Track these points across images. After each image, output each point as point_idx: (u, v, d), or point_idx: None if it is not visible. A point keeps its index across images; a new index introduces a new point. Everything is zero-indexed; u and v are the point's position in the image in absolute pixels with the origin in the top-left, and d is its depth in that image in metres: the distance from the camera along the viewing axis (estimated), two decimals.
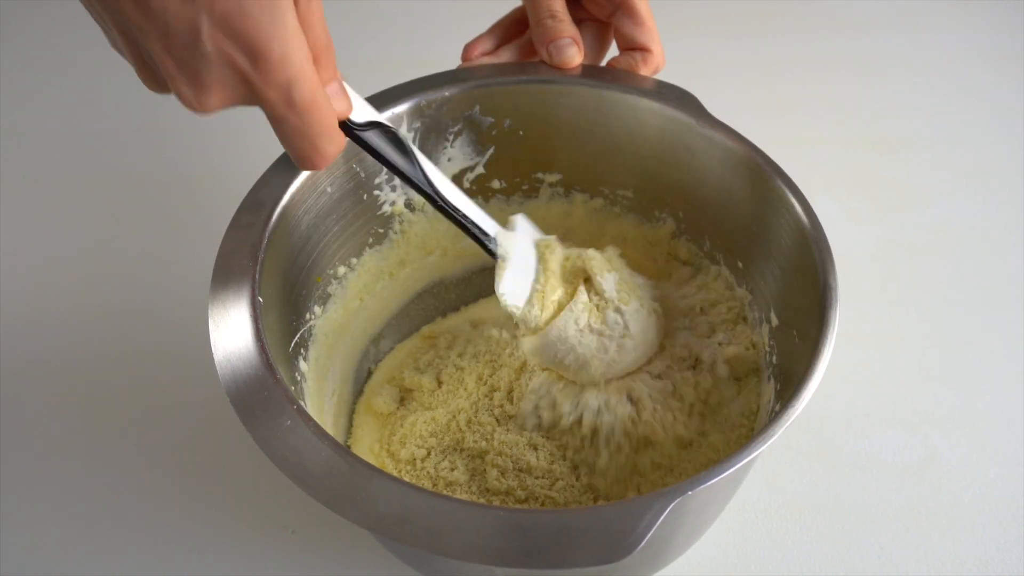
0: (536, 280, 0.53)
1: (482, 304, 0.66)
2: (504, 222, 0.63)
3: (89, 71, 0.91)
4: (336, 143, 0.41)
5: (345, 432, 0.58)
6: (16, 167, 0.81)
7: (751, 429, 0.53)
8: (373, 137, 0.45)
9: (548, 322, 0.52)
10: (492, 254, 0.52)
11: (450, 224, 0.61)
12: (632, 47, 0.57)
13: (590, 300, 0.53)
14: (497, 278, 0.52)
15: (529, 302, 0.52)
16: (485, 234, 0.51)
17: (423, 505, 0.37)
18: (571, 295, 0.53)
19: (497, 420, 0.55)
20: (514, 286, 0.52)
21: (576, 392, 0.53)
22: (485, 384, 0.57)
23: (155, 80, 0.37)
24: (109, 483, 0.59)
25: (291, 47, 0.36)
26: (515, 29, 0.60)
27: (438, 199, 0.49)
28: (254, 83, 0.36)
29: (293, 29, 0.36)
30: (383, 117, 0.46)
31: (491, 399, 0.56)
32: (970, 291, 0.69)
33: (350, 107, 0.43)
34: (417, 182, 0.48)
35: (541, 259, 0.53)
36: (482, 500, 0.52)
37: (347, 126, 0.44)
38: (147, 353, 0.65)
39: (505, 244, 0.52)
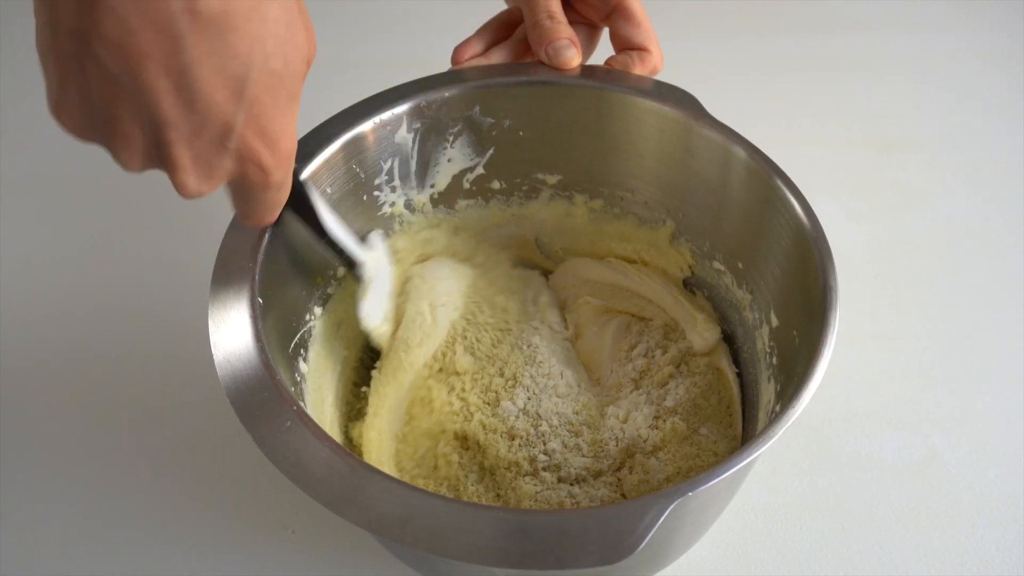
0: (391, 299, 0.57)
1: None
2: (504, 221, 0.63)
3: None
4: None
5: (344, 433, 0.58)
6: (16, 167, 0.81)
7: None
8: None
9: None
10: (357, 279, 0.54)
11: (450, 224, 0.62)
12: (629, 47, 0.57)
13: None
14: (359, 301, 0.55)
15: (385, 320, 0.57)
16: (357, 261, 0.53)
17: (423, 506, 0.37)
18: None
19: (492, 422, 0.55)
20: (373, 307, 0.56)
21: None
22: (495, 379, 0.57)
23: (142, 164, 0.37)
24: (109, 483, 0.59)
25: (294, 138, 0.39)
26: (504, 31, 0.60)
27: (327, 235, 0.50)
28: (269, 170, 0.38)
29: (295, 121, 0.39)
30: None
31: (487, 397, 0.56)
32: (970, 291, 0.69)
33: None
34: (317, 223, 0.49)
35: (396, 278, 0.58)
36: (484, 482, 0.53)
37: None
38: (147, 353, 0.65)
39: (370, 267, 0.54)
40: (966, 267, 0.71)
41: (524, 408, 0.55)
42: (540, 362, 0.57)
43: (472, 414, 0.55)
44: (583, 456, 0.52)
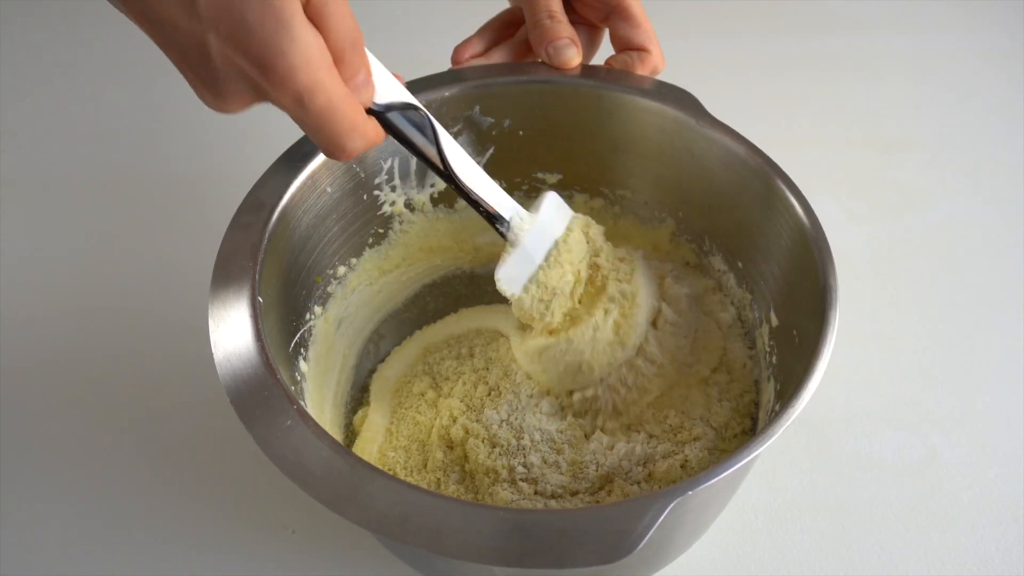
0: (540, 268, 0.52)
1: (483, 307, 0.66)
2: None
3: (89, 71, 0.91)
4: (361, 139, 0.41)
5: (345, 432, 0.58)
6: (16, 167, 0.81)
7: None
8: (393, 118, 0.45)
9: (555, 321, 0.52)
10: (503, 236, 0.51)
11: (450, 224, 0.62)
12: (629, 48, 0.57)
13: (609, 309, 0.53)
14: (500, 262, 0.51)
15: (526, 289, 0.52)
16: (498, 217, 0.50)
17: (423, 505, 0.37)
18: (584, 288, 0.53)
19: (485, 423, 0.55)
20: (514, 271, 0.51)
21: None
22: (479, 387, 0.57)
23: (194, 85, 0.39)
24: (109, 483, 0.59)
25: (297, 59, 0.36)
26: (505, 31, 0.60)
27: (453, 179, 0.47)
28: (267, 92, 0.38)
29: (301, 39, 0.36)
30: (407, 96, 0.45)
31: (482, 402, 0.56)
32: (970, 291, 0.69)
33: (370, 98, 0.43)
34: (432, 163, 0.47)
35: (557, 247, 0.52)
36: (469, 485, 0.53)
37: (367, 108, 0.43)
38: (147, 353, 0.65)
39: (518, 228, 0.50)
40: (966, 267, 0.71)
41: (507, 419, 0.55)
42: (519, 381, 0.56)
43: (456, 417, 0.55)
44: (560, 474, 0.52)
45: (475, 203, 0.49)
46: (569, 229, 0.53)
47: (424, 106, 0.54)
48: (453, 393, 0.57)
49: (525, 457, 0.52)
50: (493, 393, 0.56)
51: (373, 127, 0.42)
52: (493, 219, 0.50)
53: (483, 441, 0.53)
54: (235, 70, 0.37)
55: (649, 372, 0.53)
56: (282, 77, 0.37)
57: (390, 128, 0.45)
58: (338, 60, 0.39)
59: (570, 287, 0.53)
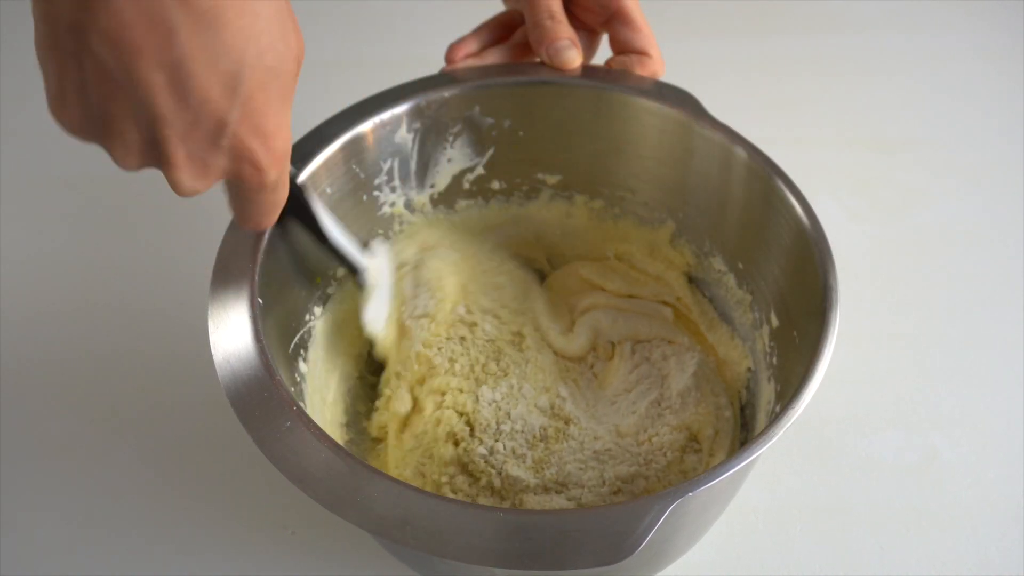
0: (391, 304, 0.57)
1: None
2: (504, 222, 0.63)
3: None
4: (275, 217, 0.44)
5: (345, 432, 0.58)
6: (16, 167, 0.81)
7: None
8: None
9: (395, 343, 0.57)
10: (360, 285, 0.55)
11: (450, 225, 0.62)
12: (629, 51, 0.57)
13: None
14: (362, 306, 0.55)
15: (388, 325, 0.57)
16: (359, 267, 0.53)
17: (423, 507, 0.37)
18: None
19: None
20: (376, 312, 0.56)
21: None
22: (488, 364, 0.58)
23: (138, 162, 0.37)
24: (109, 483, 0.59)
25: (288, 135, 0.39)
26: (501, 32, 0.60)
27: (326, 239, 0.51)
28: (263, 169, 0.38)
29: (290, 115, 0.39)
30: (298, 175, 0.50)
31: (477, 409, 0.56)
32: (970, 291, 0.69)
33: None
34: (319, 229, 0.50)
35: (396, 284, 0.57)
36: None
37: None
38: (147, 353, 0.65)
39: (373, 273, 0.54)
40: (966, 267, 0.71)
41: (499, 401, 0.55)
42: (530, 371, 0.57)
43: (451, 390, 0.56)
44: (522, 468, 0.52)
45: (341, 257, 0.52)
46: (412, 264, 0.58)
47: (424, 107, 0.55)
48: (455, 370, 0.58)
49: (496, 441, 0.53)
50: (498, 375, 0.57)
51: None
52: (354, 270, 0.54)
53: (460, 413, 0.55)
54: (238, 149, 0.37)
55: None
56: (280, 154, 0.38)
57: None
58: None
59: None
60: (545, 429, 0.54)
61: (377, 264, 0.55)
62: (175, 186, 0.37)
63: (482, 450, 0.53)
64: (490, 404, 0.55)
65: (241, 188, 0.40)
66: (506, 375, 0.57)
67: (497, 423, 0.54)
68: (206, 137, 0.36)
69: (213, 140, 0.36)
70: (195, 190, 0.38)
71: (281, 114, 0.37)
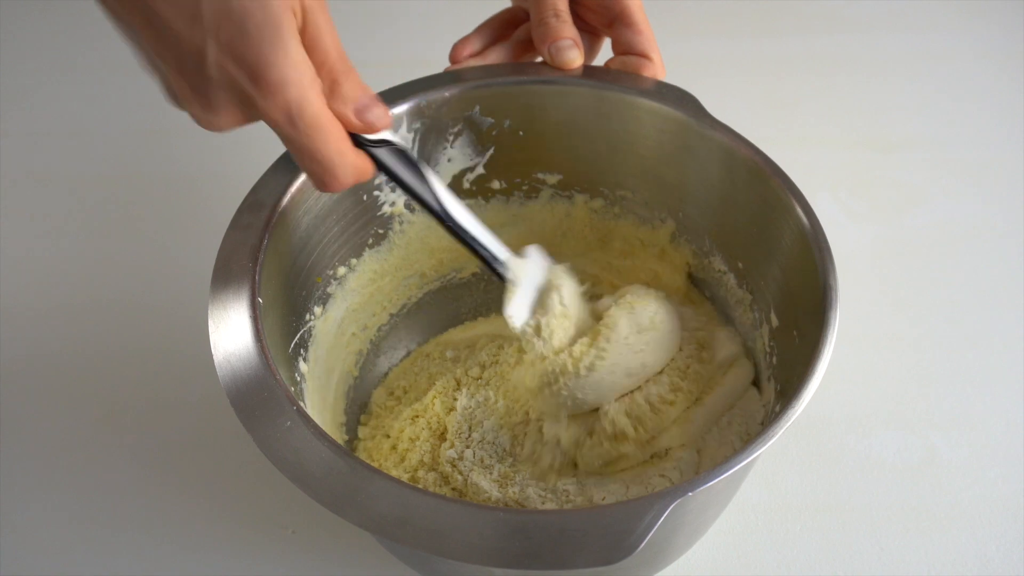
0: (546, 307, 0.53)
1: (487, 319, 0.66)
2: (504, 222, 0.63)
3: (90, 71, 0.91)
4: (351, 168, 0.42)
5: (345, 432, 0.58)
6: (16, 167, 0.81)
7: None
8: (385, 156, 0.45)
9: (558, 352, 0.52)
10: (501, 277, 0.52)
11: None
12: (630, 54, 0.57)
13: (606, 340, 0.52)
14: (506, 301, 0.52)
15: (536, 328, 0.52)
16: (495, 258, 0.51)
17: (423, 506, 0.37)
18: (583, 330, 0.53)
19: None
20: (522, 309, 0.52)
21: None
22: (472, 369, 0.58)
23: (175, 98, 0.40)
24: (109, 483, 0.59)
25: (290, 72, 0.38)
26: (504, 31, 0.60)
27: (448, 221, 0.48)
28: (257, 105, 0.38)
29: (294, 55, 0.38)
30: (397, 137, 0.46)
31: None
32: (970, 291, 0.69)
33: (385, 122, 0.43)
34: (429, 204, 0.48)
35: (553, 288, 0.53)
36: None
37: (358, 141, 0.44)
38: (147, 353, 0.65)
39: (516, 269, 0.52)
40: (966, 267, 0.71)
41: (473, 408, 0.55)
42: (509, 387, 0.56)
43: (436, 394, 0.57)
44: (488, 480, 0.52)
45: (470, 245, 0.50)
46: (558, 282, 0.53)
47: (424, 107, 0.55)
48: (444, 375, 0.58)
49: (466, 448, 0.53)
50: (479, 382, 0.57)
51: (363, 158, 0.43)
52: (491, 260, 0.51)
53: (431, 417, 0.55)
54: (228, 81, 0.37)
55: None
56: (273, 88, 0.37)
57: (382, 167, 0.45)
58: (332, 84, 0.40)
59: (569, 336, 0.53)
60: (515, 447, 0.54)
61: (526, 264, 0.53)
62: (194, 119, 0.39)
63: (451, 453, 0.53)
64: (464, 410, 0.55)
65: (278, 133, 0.40)
66: (487, 384, 0.57)
67: (470, 430, 0.54)
68: (195, 70, 0.37)
69: (201, 71, 0.37)
70: (216, 125, 0.39)
71: (268, 43, 0.37)
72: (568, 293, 0.53)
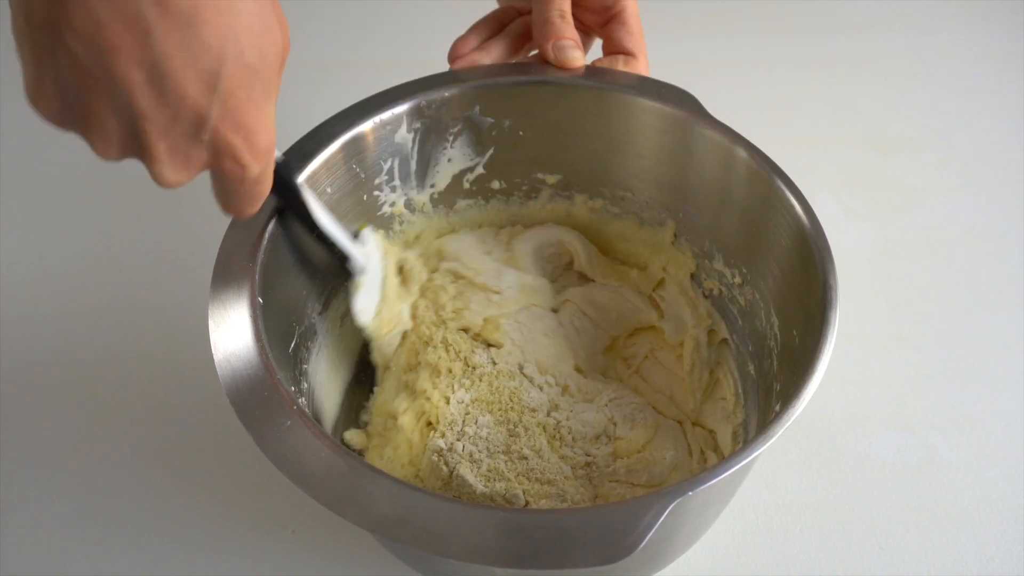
0: (381, 293, 0.56)
1: None
2: (504, 222, 0.63)
3: None
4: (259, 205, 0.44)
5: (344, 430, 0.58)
6: (16, 167, 0.81)
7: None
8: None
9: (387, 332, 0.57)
10: (350, 274, 0.54)
11: (450, 225, 0.62)
12: (618, 51, 0.58)
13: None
14: (352, 296, 0.54)
15: (377, 315, 0.56)
16: (349, 255, 0.53)
17: (423, 506, 0.37)
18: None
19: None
20: (365, 302, 0.55)
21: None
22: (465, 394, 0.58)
23: (118, 153, 0.37)
24: (109, 483, 0.59)
25: (273, 133, 0.39)
26: (498, 28, 0.61)
27: (312, 221, 0.50)
28: (245, 164, 0.38)
29: (274, 114, 0.39)
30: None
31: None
32: (970, 291, 0.69)
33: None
34: (300, 215, 0.49)
35: (386, 271, 0.56)
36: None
37: None
38: (147, 353, 0.65)
39: (360, 262, 0.54)
40: (966, 267, 0.71)
41: (468, 403, 0.55)
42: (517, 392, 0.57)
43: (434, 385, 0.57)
44: (475, 474, 0.52)
45: (329, 243, 0.51)
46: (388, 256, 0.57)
47: (424, 107, 0.55)
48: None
49: (457, 440, 0.53)
50: (473, 377, 0.57)
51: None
52: (344, 258, 0.53)
53: (430, 408, 0.55)
54: (219, 144, 0.37)
55: None
56: (263, 151, 0.39)
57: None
58: None
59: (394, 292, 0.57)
60: (508, 446, 0.54)
61: (366, 253, 0.55)
62: (156, 178, 0.38)
63: (441, 443, 0.53)
64: (460, 403, 0.55)
65: (224, 179, 0.40)
66: (483, 380, 0.57)
67: (463, 423, 0.54)
68: (186, 133, 0.36)
69: (193, 135, 0.36)
70: (178, 182, 0.38)
71: (263, 110, 0.37)
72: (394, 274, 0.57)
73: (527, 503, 0.50)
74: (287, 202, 0.48)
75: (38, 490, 0.58)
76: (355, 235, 0.55)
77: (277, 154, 0.46)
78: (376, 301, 0.56)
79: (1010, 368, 0.64)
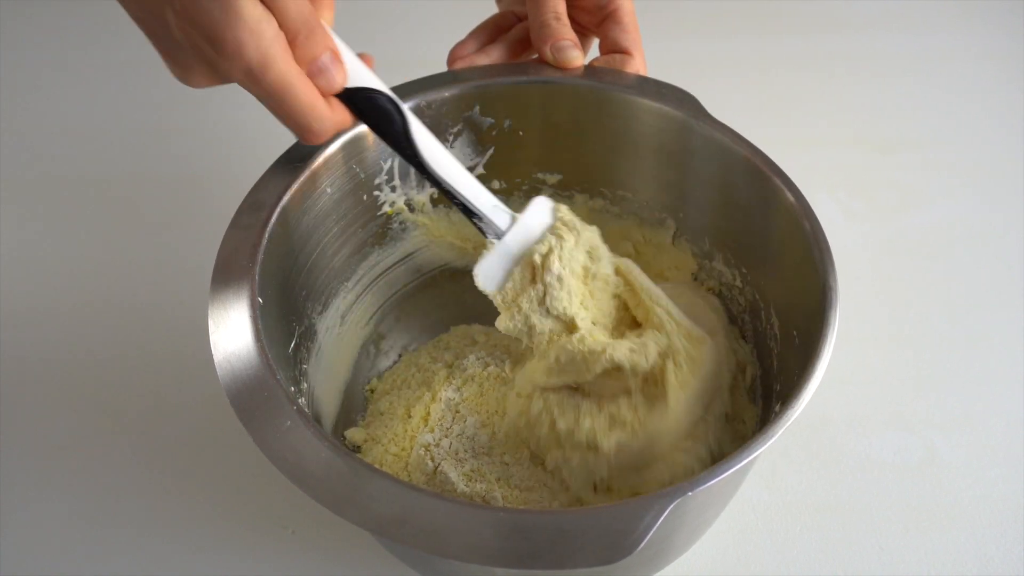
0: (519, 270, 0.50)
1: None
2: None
3: (89, 71, 0.91)
4: (327, 121, 0.42)
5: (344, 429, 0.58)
6: (16, 167, 0.81)
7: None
8: (362, 105, 0.44)
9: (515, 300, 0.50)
10: (483, 232, 0.49)
11: (450, 224, 0.62)
12: (614, 50, 0.58)
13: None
14: (480, 258, 0.50)
15: (503, 289, 0.50)
16: (475, 211, 0.48)
17: (423, 506, 0.37)
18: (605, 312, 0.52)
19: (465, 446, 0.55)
20: (492, 269, 0.50)
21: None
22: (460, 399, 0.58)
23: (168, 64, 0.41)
24: (109, 483, 0.59)
25: (244, 34, 0.37)
26: (497, 33, 0.61)
27: (426, 171, 0.46)
28: (220, 67, 0.39)
29: (248, 15, 0.37)
30: (374, 80, 0.44)
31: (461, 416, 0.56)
32: (970, 291, 0.69)
33: (340, 81, 0.42)
34: (407, 154, 0.46)
35: (549, 248, 0.49)
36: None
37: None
38: (147, 353, 0.65)
39: (498, 223, 0.49)
40: (966, 267, 0.71)
41: (458, 402, 0.55)
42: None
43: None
44: (458, 471, 0.52)
45: (450, 194, 0.47)
46: (559, 237, 0.50)
47: (424, 107, 0.55)
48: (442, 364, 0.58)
49: (444, 437, 0.53)
50: (464, 375, 0.57)
51: (339, 109, 0.42)
52: (470, 213, 0.48)
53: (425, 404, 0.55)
54: (192, 44, 0.38)
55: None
56: (231, 51, 0.37)
57: (360, 113, 0.44)
58: (292, 42, 0.39)
59: (573, 309, 0.50)
60: (491, 449, 0.54)
61: (516, 221, 0.49)
62: (175, 75, 0.41)
63: (428, 438, 0.53)
64: (450, 401, 0.55)
65: (251, 90, 0.40)
66: (474, 380, 0.57)
67: (452, 421, 0.55)
68: (163, 33, 0.39)
69: (167, 34, 0.38)
70: (190, 83, 0.41)
71: (216, 7, 0.36)
72: (571, 251, 0.49)
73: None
74: (393, 144, 0.45)
75: (38, 490, 0.58)
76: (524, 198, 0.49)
77: (375, 84, 0.43)
78: (505, 274, 0.50)
79: (1010, 368, 0.64)
